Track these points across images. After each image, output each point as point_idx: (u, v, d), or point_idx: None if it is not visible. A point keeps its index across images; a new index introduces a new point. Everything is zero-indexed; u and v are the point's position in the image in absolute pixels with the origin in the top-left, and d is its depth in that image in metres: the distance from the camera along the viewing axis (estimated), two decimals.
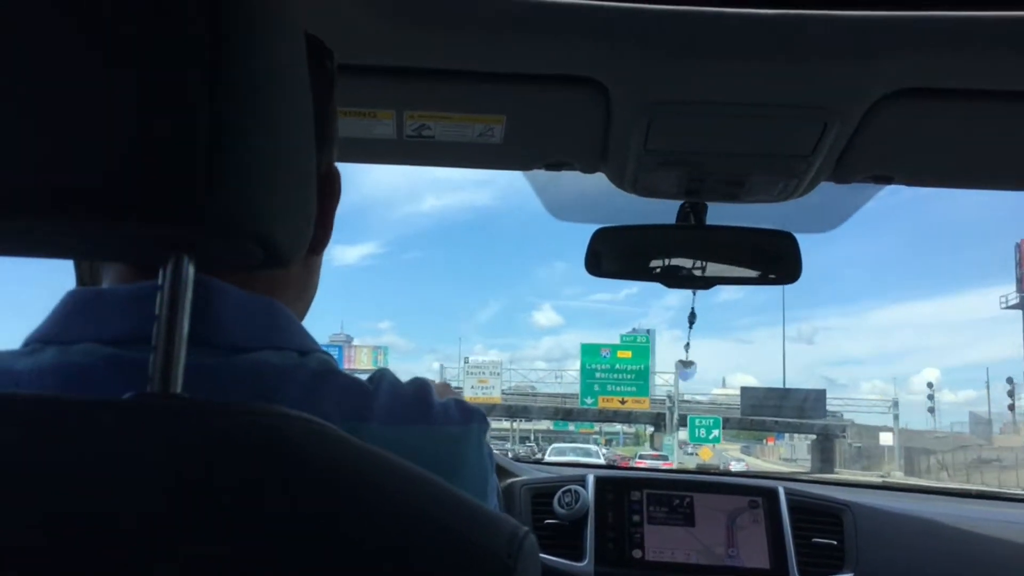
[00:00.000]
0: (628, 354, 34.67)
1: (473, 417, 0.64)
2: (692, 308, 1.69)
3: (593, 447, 35.02)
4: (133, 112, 0.43)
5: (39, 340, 0.56)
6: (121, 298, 0.56)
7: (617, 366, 34.62)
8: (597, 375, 34.25)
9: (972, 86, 1.03)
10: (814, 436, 41.44)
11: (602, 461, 27.19)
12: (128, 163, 0.43)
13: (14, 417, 0.45)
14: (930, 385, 49.01)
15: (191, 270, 0.48)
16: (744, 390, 36.97)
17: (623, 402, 34.13)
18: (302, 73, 0.53)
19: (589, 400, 34.60)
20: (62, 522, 0.41)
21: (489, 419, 0.67)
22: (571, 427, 57.79)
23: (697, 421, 34.36)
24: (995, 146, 1.19)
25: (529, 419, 44.14)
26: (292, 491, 0.43)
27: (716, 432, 33.93)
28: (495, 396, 37.60)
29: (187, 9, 0.44)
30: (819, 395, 34.85)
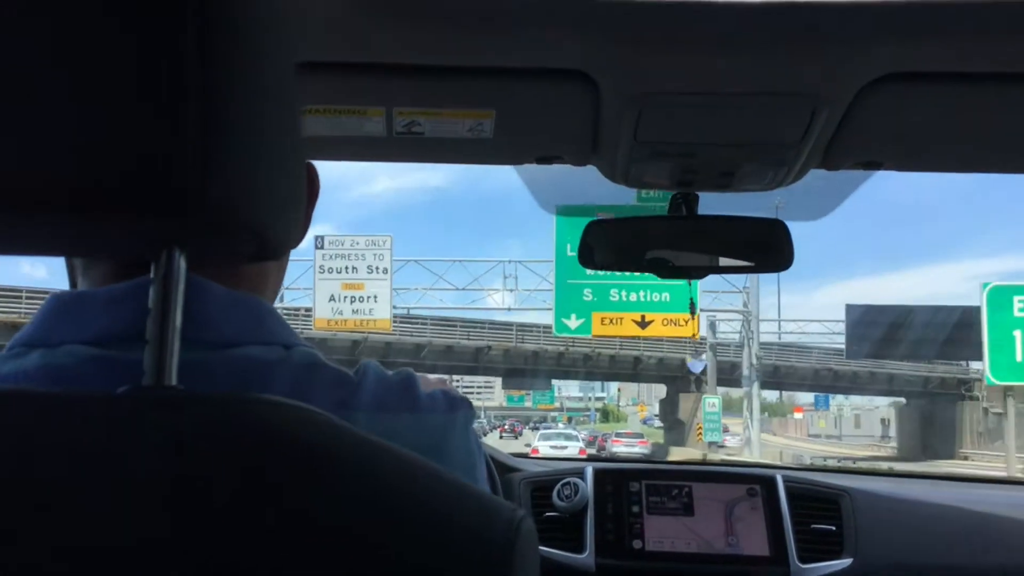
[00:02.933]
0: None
1: (459, 405, 0.66)
2: (691, 298, 1.72)
3: (573, 431, 32.25)
4: (124, 105, 0.43)
5: (23, 344, 0.58)
6: (102, 299, 0.58)
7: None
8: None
9: (961, 69, 1.04)
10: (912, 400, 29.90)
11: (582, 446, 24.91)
12: (119, 157, 0.43)
13: (8, 412, 0.45)
14: None
15: (183, 264, 0.49)
16: (850, 308, 24.06)
17: (643, 322, 15.77)
18: (288, 63, 0.54)
19: (572, 321, 17.23)
20: (63, 517, 0.41)
21: None
22: (527, 403, 53.32)
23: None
24: (984, 129, 1.20)
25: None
26: (291, 478, 0.44)
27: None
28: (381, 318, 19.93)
29: (174, 2, 0.44)
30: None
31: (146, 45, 0.43)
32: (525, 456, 2.36)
